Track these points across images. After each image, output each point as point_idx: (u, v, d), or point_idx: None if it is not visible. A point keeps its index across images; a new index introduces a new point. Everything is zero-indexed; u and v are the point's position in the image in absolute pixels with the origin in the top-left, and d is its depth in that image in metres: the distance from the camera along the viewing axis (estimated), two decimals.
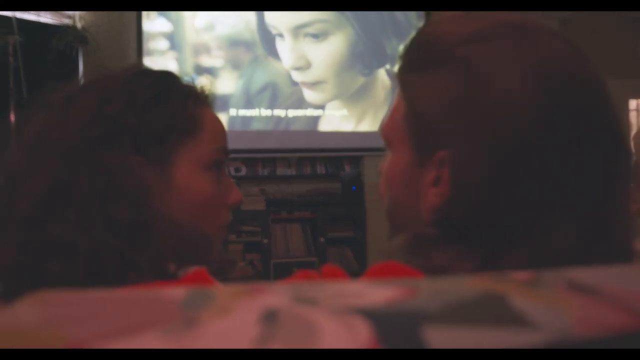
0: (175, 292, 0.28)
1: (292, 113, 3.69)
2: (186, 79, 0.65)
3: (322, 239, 3.72)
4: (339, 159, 3.89)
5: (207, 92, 0.66)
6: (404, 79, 0.51)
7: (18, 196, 0.55)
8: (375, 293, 0.28)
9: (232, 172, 3.59)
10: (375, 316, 0.25)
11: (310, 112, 3.71)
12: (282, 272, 3.55)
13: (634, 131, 0.87)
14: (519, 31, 0.46)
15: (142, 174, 0.56)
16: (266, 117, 3.66)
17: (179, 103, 0.62)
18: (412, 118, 0.48)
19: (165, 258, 0.54)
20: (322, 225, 3.73)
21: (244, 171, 3.73)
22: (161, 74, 0.64)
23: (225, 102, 3.57)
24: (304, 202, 3.81)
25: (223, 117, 3.45)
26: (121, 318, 0.25)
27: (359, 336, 0.24)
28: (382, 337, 0.23)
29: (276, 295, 0.27)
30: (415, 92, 0.48)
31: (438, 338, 0.24)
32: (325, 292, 0.28)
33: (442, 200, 0.46)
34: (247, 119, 3.64)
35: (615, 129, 0.46)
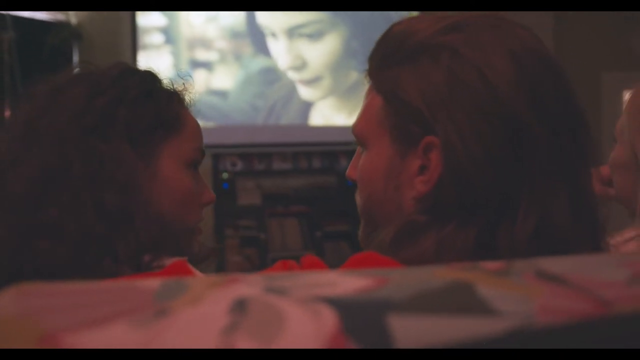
0: (150, 283, 0.28)
1: (283, 104, 3.69)
2: (171, 79, 0.69)
3: (318, 233, 3.72)
4: (335, 153, 3.89)
5: (186, 94, 0.69)
6: (379, 76, 0.51)
7: (9, 180, 0.57)
8: (347, 283, 0.28)
9: (228, 167, 3.59)
10: (341, 305, 0.25)
11: (302, 103, 3.71)
12: None
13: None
14: (488, 21, 0.48)
15: (131, 163, 0.59)
16: (258, 108, 3.66)
17: (165, 101, 0.65)
18: (395, 109, 0.49)
19: (144, 247, 0.56)
20: (318, 219, 3.73)
21: (239, 166, 3.73)
22: (147, 73, 0.67)
23: (221, 95, 3.56)
24: (300, 196, 3.81)
25: (219, 112, 3.39)
26: (94, 309, 0.26)
27: (325, 324, 0.24)
28: (347, 325, 0.24)
29: (248, 285, 0.28)
30: (396, 84, 0.49)
31: (402, 326, 0.24)
32: (296, 282, 0.28)
33: (429, 186, 0.47)
34: (241, 113, 3.64)
35: (580, 110, 0.49)
